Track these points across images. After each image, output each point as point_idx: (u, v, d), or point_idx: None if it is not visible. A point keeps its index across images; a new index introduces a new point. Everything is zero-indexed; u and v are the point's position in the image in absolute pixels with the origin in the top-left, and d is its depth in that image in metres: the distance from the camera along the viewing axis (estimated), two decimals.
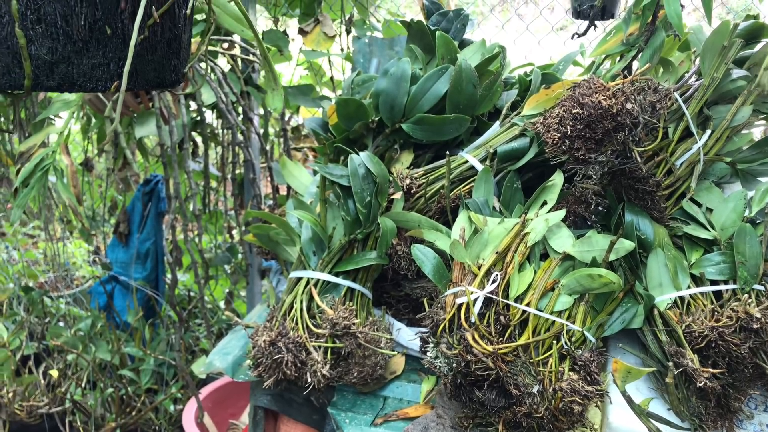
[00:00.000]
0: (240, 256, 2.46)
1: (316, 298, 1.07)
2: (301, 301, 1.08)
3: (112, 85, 0.71)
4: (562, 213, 1.09)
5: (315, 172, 1.37)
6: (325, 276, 1.12)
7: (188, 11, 0.72)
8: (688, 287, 1.01)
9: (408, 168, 1.35)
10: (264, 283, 2.17)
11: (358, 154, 1.20)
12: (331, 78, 2.23)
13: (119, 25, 0.71)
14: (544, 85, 1.38)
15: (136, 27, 0.68)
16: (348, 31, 2.05)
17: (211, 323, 2.34)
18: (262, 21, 2.48)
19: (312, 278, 1.12)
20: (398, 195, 1.18)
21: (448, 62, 1.36)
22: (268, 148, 2.24)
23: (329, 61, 2.20)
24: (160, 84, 0.75)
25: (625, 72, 1.25)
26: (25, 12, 0.68)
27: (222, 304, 2.67)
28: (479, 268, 1.00)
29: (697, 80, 1.15)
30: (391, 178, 1.21)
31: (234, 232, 2.57)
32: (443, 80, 1.32)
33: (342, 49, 2.14)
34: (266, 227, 1.35)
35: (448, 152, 1.23)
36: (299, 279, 1.14)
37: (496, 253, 1.02)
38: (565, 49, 2.16)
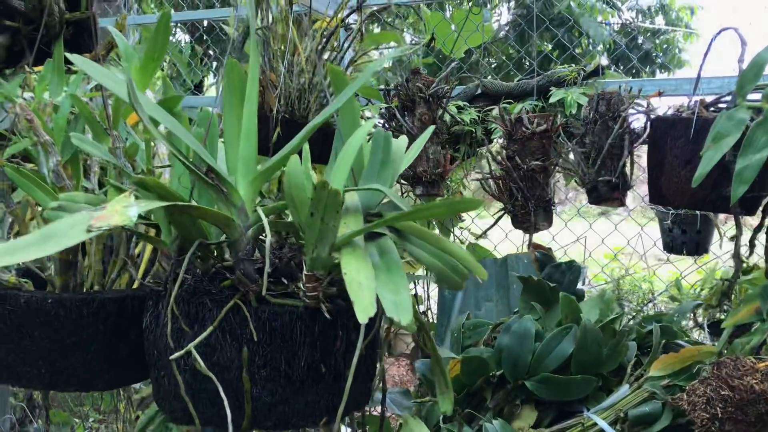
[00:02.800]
0: None
1: None
2: None
3: (321, 421, 0.71)
4: None
5: None
6: None
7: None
8: None
9: (532, 427, 1.31)
10: None
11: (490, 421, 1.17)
12: None
13: (332, 363, 0.73)
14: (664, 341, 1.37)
15: (353, 367, 0.69)
16: None
17: None
18: None
19: None
20: None
21: (571, 321, 1.37)
22: None
23: None
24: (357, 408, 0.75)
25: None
26: (252, 358, 0.70)
27: None
28: None
29: None
30: None
31: None
32: (568, 340, 1.32)
33: None
34: None
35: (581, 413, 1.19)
36: None
37: None
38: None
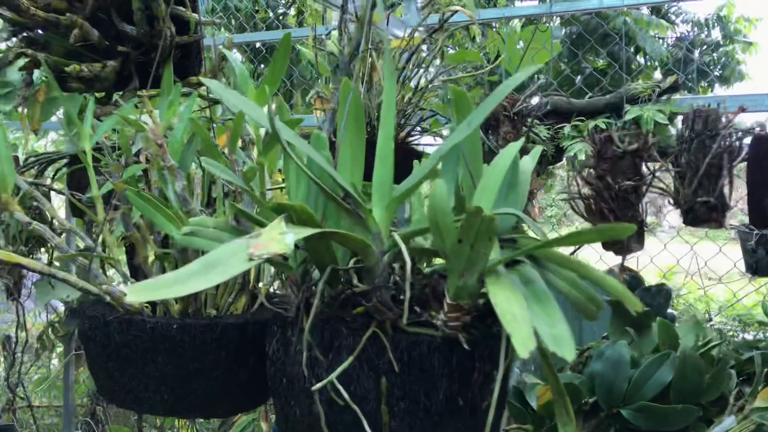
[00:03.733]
0: None
1: None
2: None
3: None
4: None
5: None
6: None
7: None
8: None
9: None
10: None
11: None
12: None
13: (469, 395, 0.70)
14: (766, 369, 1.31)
15: (494, 399, 0.66)
16: None
17: None
18: None
19: None
20: None
21: (668, 347, 1.32)
22: None
23: None
24: None
25: None
26: (391, 389, 0.68)
27: None
28: None
29: None
30: None
31: None
32: (667, 367, 1.27)
33: None
34: None
35: None
36: None
37: None
38: None
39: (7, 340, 3.51)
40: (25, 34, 1.02)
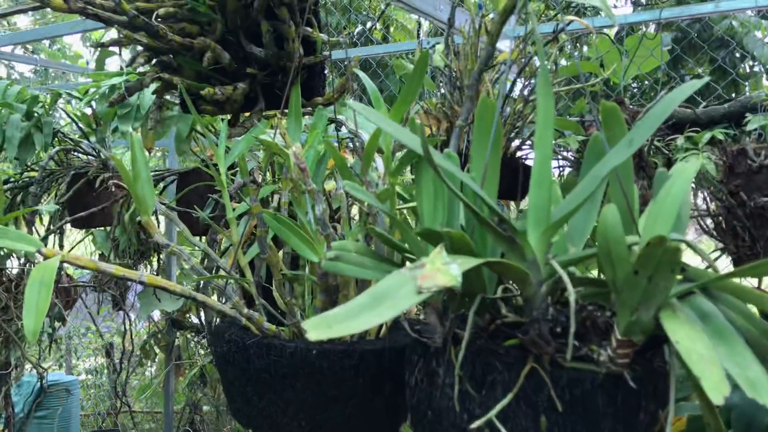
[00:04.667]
0: None
1: None
2: None
3: None
4: None
5: None
6: None
7: None
8: None
9: None
10: None
11: None
12: None
13: None
14: None
15: None
16: None
17: None
18: None
19: None
20: None
21: None
22: None
23: None
24: None
25: None
26: (551, 428, 0.63)
27: None
28: None
29: None
30: None
31: None
32: None
33: None
34: None
35: None
36: None
37: None
38: None
39: (110, 348, 3.68)
40: (157, 58, 1.05)
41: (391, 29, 4.67)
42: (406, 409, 0.82)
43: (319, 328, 0.48)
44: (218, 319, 0.95)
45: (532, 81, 1.60)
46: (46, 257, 0.77)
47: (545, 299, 0.67)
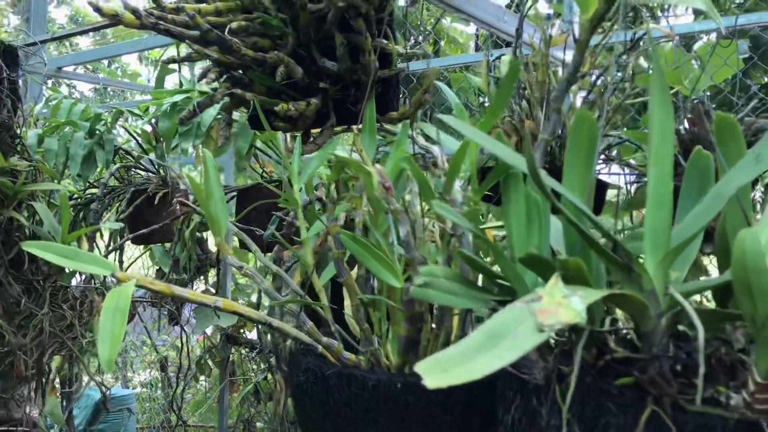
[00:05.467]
0: None
1: None
2: None
3: None
4: None
5: None
6: None
7: None
8: None
9: None
10: None
11: None
12: None
13: None
14: None
15: None
16: None
17: None
18: None
19: None
20: None
21: None
22: None
23: None
24: None
25: None
26: None
27: None
28: None
29: None
30: None
31: None
32: None
33: None
34: None
35: None
36: None
37: None
38: None
39: (165, 362, 3.71)
40: (228, 74, 1.02)
41: (442, 43, 4.63)
42: None
43: (433, 372, 0.43)
44: (289, 343, 0.90)
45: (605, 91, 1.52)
46: (119, 281, 0.74)
47: (665, 334, 0.59)
